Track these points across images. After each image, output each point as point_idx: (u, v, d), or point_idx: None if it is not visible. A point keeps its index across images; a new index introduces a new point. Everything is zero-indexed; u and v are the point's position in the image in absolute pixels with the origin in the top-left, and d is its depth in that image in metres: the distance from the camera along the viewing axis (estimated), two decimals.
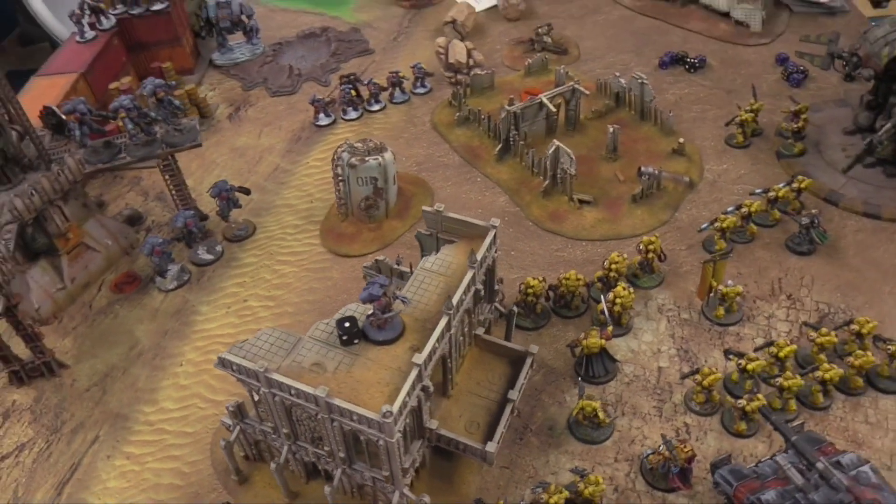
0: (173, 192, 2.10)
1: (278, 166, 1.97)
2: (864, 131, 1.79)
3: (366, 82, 1.97)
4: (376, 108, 1.98)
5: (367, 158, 1.74)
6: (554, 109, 1.95)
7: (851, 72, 1.69)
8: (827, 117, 1.84)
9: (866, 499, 1.34)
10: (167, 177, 1.97)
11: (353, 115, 1.98)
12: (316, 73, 2.08)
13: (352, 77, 2.01)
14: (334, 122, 2.02)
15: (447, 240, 1.61)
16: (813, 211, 1.48)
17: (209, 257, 1.96)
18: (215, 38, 2.47)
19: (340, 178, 1.68)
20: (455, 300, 1.41)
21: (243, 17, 2.45)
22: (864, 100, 1.79)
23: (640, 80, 2.07)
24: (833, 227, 1.50)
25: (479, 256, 1.61)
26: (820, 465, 1.55)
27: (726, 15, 2.74)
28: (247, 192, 1.97)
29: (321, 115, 2.06)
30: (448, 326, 1.50)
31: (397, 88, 2.06)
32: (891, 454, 1.13)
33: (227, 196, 2.02)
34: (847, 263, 1.38)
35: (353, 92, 2.02)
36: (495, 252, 1.38)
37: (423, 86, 2.00)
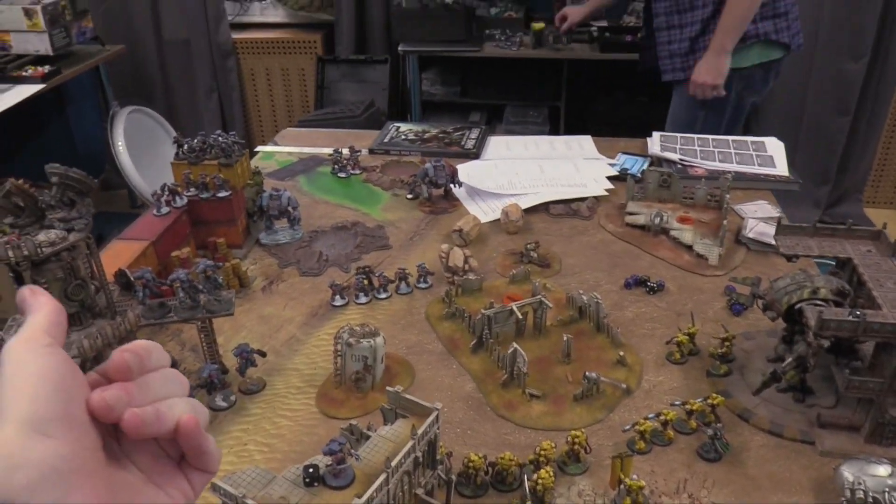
0: (205, 347, 2.23)
1: (294, 335, 2.07)
2: (782, 360, 1.91)
3: (377, 274, 2.17)
4: (383, 296, 2.15)
5: (361, 340, 1.85)
6: (521, 316, 2.03)
7: (763, 311, 1.84)
8: (756, 345, 1.92)
9: None
10: (202, 335, 2.09)
11: (363, 299, 2.15)
12: (340, 260, 2.28)
13: (366, 269, 2.23)
14: (347, 303, 2.18)
15: (402, 415, 1.69)
16: (718, 425, 1.52)
17: (224, 404, 2.02)
18: (264, 221, 2.73)
19: (339, 353, 1.82)
20: (394, 463, 1.47)
21: (289, 208, 2.71)
22: (780, 334, 1.90)
23: (596, 300, 2.18)
24: (740, 440, 1.50)
25: (419, 431, 1.70)
26: None
27: (690, 247, 2.90)
28: (263, 354, 2.08)
29: (337, 297, 2.22)
30: (386, 482, 1.55)
31: (403, 282, 2.24)
32: None
33: (246, 356, 2.13)
34: (746, 473, 1.38)
35: (365, 281, 2.20)
36: (437, 428, 1.42)
37: (425, 282, 2.17)
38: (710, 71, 2.92)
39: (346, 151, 2.52)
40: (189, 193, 1.89)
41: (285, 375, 1.54)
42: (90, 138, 5.55)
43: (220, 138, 1.91)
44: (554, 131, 4.84)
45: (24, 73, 3.87)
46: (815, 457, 1.33)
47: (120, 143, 4.38)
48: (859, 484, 1.17)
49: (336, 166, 2.48)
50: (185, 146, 1.93)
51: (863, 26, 4.08)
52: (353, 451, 1.01)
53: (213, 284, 1.42)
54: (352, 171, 2.48)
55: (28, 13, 3.93)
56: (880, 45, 4.20)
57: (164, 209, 1.85)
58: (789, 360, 1.40)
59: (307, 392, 1.49)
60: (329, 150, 2.56)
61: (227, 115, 5.41)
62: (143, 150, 4.59)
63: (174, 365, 1.65)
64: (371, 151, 2.63)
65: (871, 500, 1.16)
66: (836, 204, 4.73)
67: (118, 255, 1.66)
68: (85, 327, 1.37)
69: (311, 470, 0.99)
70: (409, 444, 1.02)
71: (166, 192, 1.86)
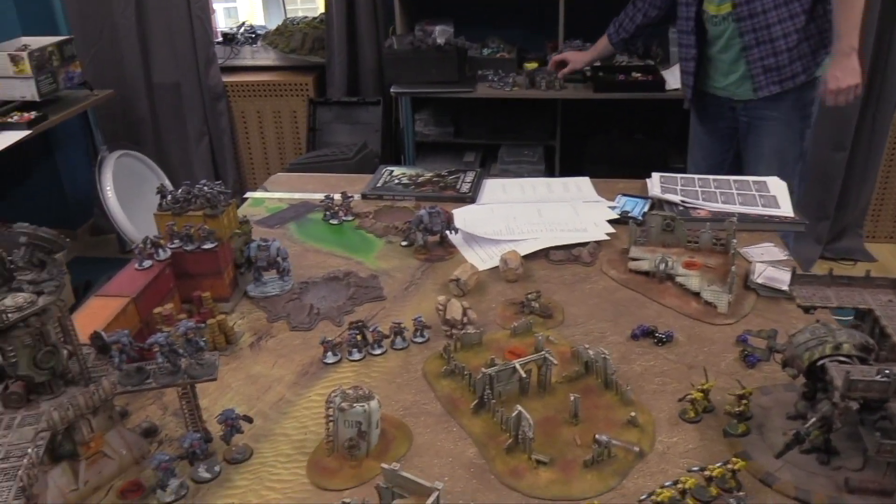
0: (186, 414, 2.09)
1: (283, 396, 1.96)
2: (803, 418, 1.78)
3: (371, 329, 2.09)
4: (378, 351, 2.05)
5: (354, 405, 1.74)
6: (525, 375, 1.94)
7: (783, 367, 1.73)
8: (774, 400, 1.79)
9: None
10: (183, 402, 1.97)
11: (357, 356, 2.05)
12: (332, 313, 2.19)
13: (360, 323, 2.15)
14: (340, 360, 2.09)
15: (399, 494, 1.56)
16: (740, 493, 1.42)
17: (208, 476, 1.88)
18: (252, 272, 2.63)
19: (331, 418, 1.72)
20: None
21: (279, 259, 2.62)
22: (801, 390, 1.77)
23: (603, 356, 2.08)
24: None
25: None
26: None
27: (697, 294, 2.79)
28: (249, 420, 1.95)
29: (329, 354, 2.12)
30: None
31: (398, 336, 2.15)
32: None
33: (231, 423, 2.00)
34: None
35: (358, 336, 2.11)
36: None
37: (421, 336, 2.09)
38: (848, 72, 2.91)
39: (337, 197, 2.44)
40: (173, 245, 1.80)
41: (274, 441, 1.43)
42: (79, 182, 5.48)
43: (205, 188, 1.83)
44: (549, 170, 4.80)
45: (9, 120, 3.81)
46: None
47: (108, 188, 4.30)
48: None
49: (328, 213, 2.40)
50: (169, 196, 1.85)
51: None
52: None
53: (195, 347, 1.32)
54: (344, 218, 2.40)
55: (14, 59, 3.88)
56: (874, 79, 4.18)
57: (147, 262, 1.75)
58: (813, 419, 1.30)
59: (297, 460, 1.38)
60: (320, 196, 2.48)
61: (217, 159, 5.36)
62: (132, 194, 4.51)
63: (154, 432, 1.53)
64: (364, 196, 2.56)
65: None
66: (836, 239, 4.67)
67: (95, 313, 1.55)
68: (56, 396, 1.26)
69: None
70: None
71: (149, 245, 1.77)
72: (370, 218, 2.42)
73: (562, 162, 4.87)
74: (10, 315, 1.12)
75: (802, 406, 1.42)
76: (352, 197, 2.49)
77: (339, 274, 2.06)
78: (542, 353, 1.53)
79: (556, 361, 1.53)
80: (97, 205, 4.97)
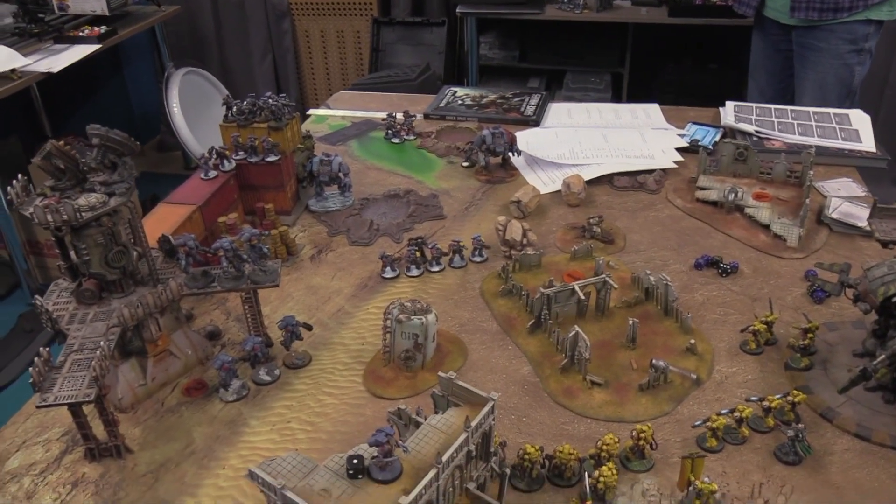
0: (249, 319, 2.16)
1: (342, 308, 2.01)
2: (871, 356, 1.71)
3: (430, 246, 2.09)
4: (436, 268, 2.07)
5: (412, 317, 1.77)
6: (583, 297, 1.91)
7: (855, 302, 1.63)
8: (840, 336, 1.72)
9: None
10: (246, 307, 2.03)
11: (415, 272, 2.07)
12: (392, 230, 2.20)
13: (419, 240, 2.15)
14: (398, 276, 2.11)
15: (455, 403, 1.60)
16: (799, 425, 1.38)
17: (268, 379, 1.96)
18: (314, 187, 2.64)
19: (388, 329, 1.75)
20: (445, 457, 1.40)
21: (340, 174, 2.61)
22: (871, 327, 1.69)
23: (665, 282, 2.03)
24: (823, 443, 1.36)
25: (473, 423, 1.61)
26: None
27: (767, 227, 2.68)
28: (309, 328, 2.01)
29: (388, 269, 2.14)
30: (436, 478, 1.48)
31: (457, 255, 2.15)
32: None
33: (291, 329, 2.06)
34: (829, 480, 1.25)
35: (417, 252, 2.11)
36: (492, 420, 1.32)
37: (480, 255, 2.08)
38: None
39: (400, 116, 2.42)
40: (237, 157, 1.82)
41: (332, 350, 1.46)
42: (145, 98, 5.56)
43: (270, 100, 1.83)
44: (616, 99, 4.66)
45: (80, 34, 3.87)
46: None
47: (175, 104, 4.36)
48: None
49: (389, 131, 2.38)
50: (235, 108, 1.85)
51: None
52: (400, 441, 0.91)
53: (259, 254, 1.34)
54: (405, 137, 2.38)
55: None
56: None
57: (212, 173, 1.78)
58: (882, 356, 1.25)
59: (354, 369, 1.41)
60: (383, 115, 2.45)
61: (280, 78, 5.36)
62: (197, 111, 4.57)
63: (217, 335, 1.58)
64: (426, 116, 2.53)
65: None
66: None
67: (163, 219, 1.59)
68: (126, 295, 1.31)
69: (355, 461, 0.90)
70: (462, 436, 0.92)
71: (214, 156, 1.79)
72: (432, 137, 2.39)
73: (630, 90, 4.71)
74: (83, 214, 1.15)
75: (871, 344, 1.37)
76: (414, 116, 2.46)
77: (399, 192, 2.05)
78: (603, 276, 1.50)
79: (615, 285, 1.51)
80: (163, 121, 5.06)
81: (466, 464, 0.98)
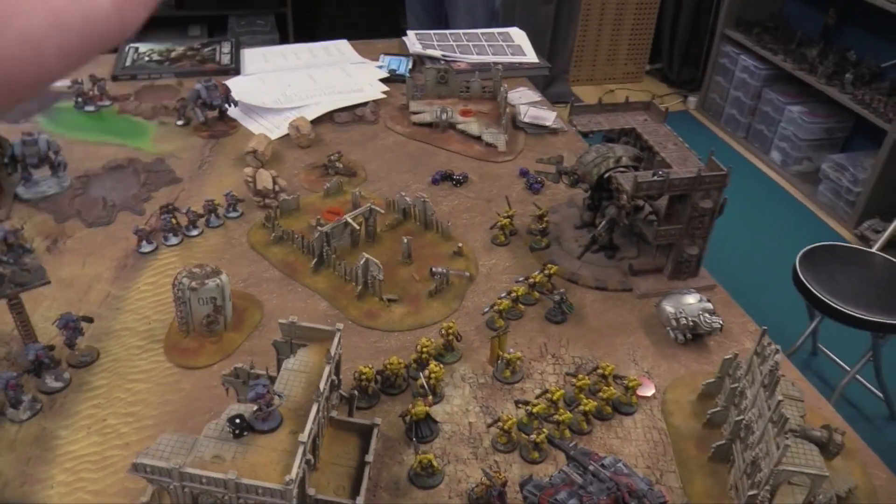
0: (19, 326, 1.77)
1: (109, 293, 1.77)
2: (588, 226, 2.17)
3: (184, 211, 1.95)
4: (195, 232, 1.94)
5: (206, 281, 1.67)
6: (357, 227, 2.00)
7: (573, 185, 2.05)
8: (561, 216, 2.14)
9: (623, 482, 1.65)
10: (14, 314, 1.66)
11: (174, 240, 1.90)
12: (130, 203, 1.96)
13: (170, 206, 1.98)
14: (156, 248, 1.92)
15: (300, 344, 1.60)
16: (561, 290, 1.75)
17: (59, 385, 1.64)
18: (21, 172, 2.20)
19: (181, 300, 1.62)
20: (322, 389, 1.43)
21: (51, 153, 2.21)
22: (585, 202, 2.16)
23: (423, 199, 2.21)
24: (577, 300, 1.74)
25: (332, 353, 1.66)
26: (591, 467, 1.84)
27: (479, 138, 3.05)
28: (90, 320, 1.73)
29: (143, 243, 1.94)
30: (318, 411, 1.50)
31: (212, 214, 2.03)
32: (635, 456, 1.41)
33: (73, 326, 1.75)
34: (589, 326, 1.62)
35: (173, 220, 1.94)
36: (340, 349, 1.40)
37: (235, 210, 2.01)
38: None
39: (87, 81, 2.20)
40: None
41: (118, 338, 1.40)
42: None
43: None
44: (283, 38, 4.66)
45: None
46: (635, 301, 1.55)
47: None
48: (681, 313, 1.41)
49: (79, 99, 2.18)
50: None
51: None
52: (273, 390, 0.98)
53: (19, 252, 1.21)
54: (100, 104, 2.20)
55: None
56: None
57: None
58: (603, 223, 1.58)
59: (151, 349, 1.37)
60: (66, 83, 2.22)
61: None
62: None
63: None
64: (115, 78, 2.36)
65: (691, 323, 1.41)
66: (549, 85, 5.22)
67: None
68: None
69: (237, 420, 0.94)
70: (328, 368, 1.01)
71: None
72: (131, 100, 2.25)
73: (295, 29, 4.74)
74: None
75: (588, 216, 1.71)
76: (103, 80, 2.27)
77: (120, 162, 1.93)
78: (368, 205, 1.63)
79: (381, 211, 1.65)
80: None
81: (330, 393, 1.07)
